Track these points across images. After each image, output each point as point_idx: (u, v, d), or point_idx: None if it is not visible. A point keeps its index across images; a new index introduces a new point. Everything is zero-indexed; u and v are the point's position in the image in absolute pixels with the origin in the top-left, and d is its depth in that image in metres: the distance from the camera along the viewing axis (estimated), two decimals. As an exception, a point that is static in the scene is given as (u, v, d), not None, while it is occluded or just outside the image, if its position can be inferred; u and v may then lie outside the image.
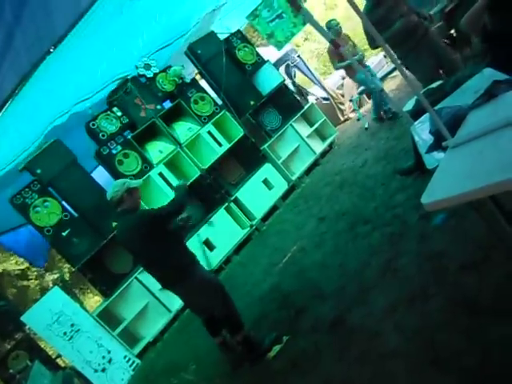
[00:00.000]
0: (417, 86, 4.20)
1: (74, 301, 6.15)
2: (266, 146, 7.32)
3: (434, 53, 4.82)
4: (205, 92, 7.33)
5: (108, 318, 5.94)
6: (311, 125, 8.02)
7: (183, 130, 6.98)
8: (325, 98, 9.35)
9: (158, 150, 6.75)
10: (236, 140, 7.13)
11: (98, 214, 6.00)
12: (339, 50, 6.19)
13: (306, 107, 8.01)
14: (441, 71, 4.95)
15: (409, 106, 3.85)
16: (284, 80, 8.07)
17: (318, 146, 7.85)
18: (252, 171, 7.18)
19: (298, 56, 9.86)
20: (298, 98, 8.75)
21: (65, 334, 5.48)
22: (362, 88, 8.61)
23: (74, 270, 6.54)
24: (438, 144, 2.50)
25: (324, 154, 7.79)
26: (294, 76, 9.72)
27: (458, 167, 1.96)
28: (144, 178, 6.32)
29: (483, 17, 2.94)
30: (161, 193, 6.37)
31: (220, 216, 6.68)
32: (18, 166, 5.92)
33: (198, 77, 8.11)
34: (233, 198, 6.89)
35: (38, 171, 5.94)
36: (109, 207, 3.46)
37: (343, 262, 3.68)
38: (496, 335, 1.87)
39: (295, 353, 3.06)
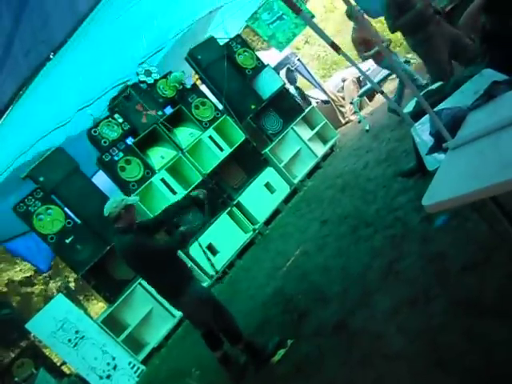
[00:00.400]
0: (416, 88, 4.20)
1: (78, 308, 6.15)
2: (267, 149, 7.33)
3: (447, 44, 4.71)
4: (205, 97, 7.36)
5: (112, 324, 5.94)
6: (312, 128, 8.03)
7: (185, 135, 7.00)
8: (325, 101, 9.36)
9: (159, 155, 6.77)
10: (237, 144, 7.14)
11: (101, 220, 5.96)
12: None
13: (306, 110, 8.02)
14: (454, 61, 4.86)
15: (409, 107, 3.85)
16: (284, 84, 8.09)
17: (320, 149, 7.85)
18: (254, 175, 7.18)
19: (298, 59, 9.88)
20: (301, 101, 8.76)
21: (69, 341, 5.49)
22: (362, 90, 8.64)
23: (77, 276, 6.56)
24: (438, 145, 2.50)
25: (325, 156, 7.80)
26: (296, 81, 9.76)
27: (459, 168, 1.96)
28: (146, 184, 6.35)
29: (480, 17, 2.95)
30: (163, 198, 6.38)
31: (223, 220, 6.68)
32: (20, 174, 5.94)
33: (198, 82, 8.14)
34: (235, 202, 6.90)
35: (41, 179, 5.97)
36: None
37: (346, 265, 3.67)
38: (499, 336, 1.87)
39: (299, 357, 3.05)
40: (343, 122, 9.34)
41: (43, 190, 5.97)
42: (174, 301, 3.36)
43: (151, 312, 6.03)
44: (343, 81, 9.82)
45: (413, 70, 6.52)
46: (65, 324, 5.52)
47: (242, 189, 7.11)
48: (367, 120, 7.81)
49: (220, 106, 7.55)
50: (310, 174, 7.51)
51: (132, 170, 6.41)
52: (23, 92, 3.34)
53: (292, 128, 7.64)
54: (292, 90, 8.95)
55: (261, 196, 7.02)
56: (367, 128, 7.28)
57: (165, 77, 7.06)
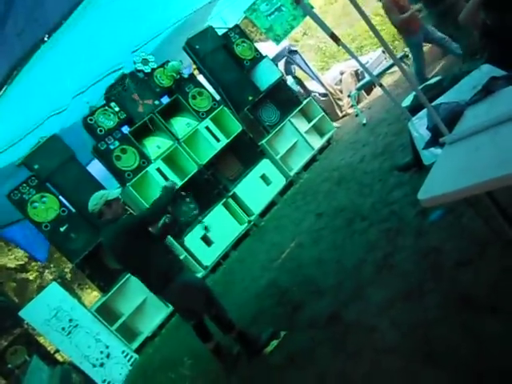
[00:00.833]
0: (415, 82, 4.19)
1: (72, 296, 6.15)
2: (264, 141, 7.31)
3: None
4: (203, 87, 7.31)
5: (106, 313, 5.95)
6: (309, 120, 8.02)
7: (181, 125, 6.97)
8: (323, 94, 9.33)
9: (155, 145, 6.74)
10: (234, 135, 7.12)
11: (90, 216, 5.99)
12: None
13: (304, 103, 8.00)
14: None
15: (407, 101, 3.85)
16: (282, 75, 8.05)
17: (316, 142, 7.84)
18: (250, 167, 7.17)
19: (296, 51, 9.83)
20: (302, 90, 8.66)
21: (63, 329, 5.50)
22: (360, 83, 8.61)
23: (72, 265, 6.55)
24: (435, 140, 2.51)
25: (322, 149, 7.79)
26: (294, 73, 9.71)
27: (455, 163, 1.96)
28: (141, 173, 6.33)
29: (479, 13, 2.94)
30: (158, 188, 6.34)
31: (218, 212, 6.68)
32: (15, 161, 5.90)
33: (196, 72, 8.09)
34: (231, 193, 6.89)
35: (36, 166, 5.93)
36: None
37: (340, 257, 3.68)
38: (491, 331, 1.88)
39: (292, 348, 3.07)
40: (340, 115, 9.33)
41: (38, 177, 5.94)
42: (163, 291, 3.28)
43: (145, 301, 6.04)
44: (341, 74, 9.78)
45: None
46: (59, 312, 5.53)
47: (238, 180, 7.10)
48: (364, 113, 7.80)
49: (217, 97, 7.52)
50: (306, 167, 7.51)
51: (127, 159, 6.38)
52: (16, 74, 3.28)
53: (289, 120, 7.63)
54: (290, 79, 8.85)
55: (257, 188, 7.02)
56: (364, 122, 7.27)
57: (162, 66, 7.01)
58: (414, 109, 3.32)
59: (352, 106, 8.59)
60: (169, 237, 6.11)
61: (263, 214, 6.95)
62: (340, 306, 3.02)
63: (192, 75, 7.55)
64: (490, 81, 2.32)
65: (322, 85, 9.36)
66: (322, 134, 8.10)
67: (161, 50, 7.27)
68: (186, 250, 6.33)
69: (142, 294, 5.99)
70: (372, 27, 2.34)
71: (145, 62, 6.83)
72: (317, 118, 8.00)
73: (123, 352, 5.65)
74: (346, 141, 7.32)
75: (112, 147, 6.31)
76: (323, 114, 8.09)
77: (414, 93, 3.54)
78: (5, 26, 2.47)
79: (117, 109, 6.54)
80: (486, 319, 1.95)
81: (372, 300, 2.78)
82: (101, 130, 6.36)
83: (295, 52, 9.73)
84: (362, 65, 2.97)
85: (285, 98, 7.81)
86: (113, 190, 3.63)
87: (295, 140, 7.64)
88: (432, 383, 1.93)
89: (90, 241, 6.01)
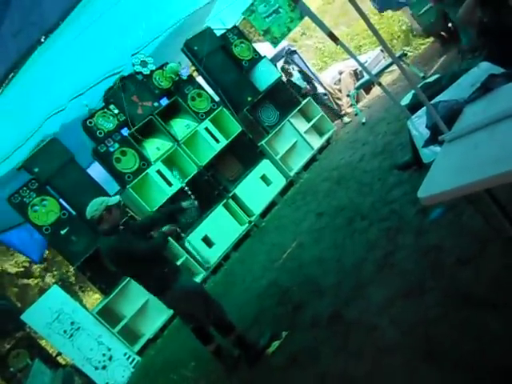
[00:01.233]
0: (414, 80, 4.18)
1: (73, 299, 6.15)
2: (263, 141, 7.31)
3: None
4: (202, 88, 7.32)
5: (108, 315, 5.95)
6: (309, 120, 8.01)
7: (180, 126, 6.97)
8: (322, 94, 9.32)
9: (155, 147, 6.74)
10: (233, 136, 7.12)
11: (89, 222, 5.99)
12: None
13: (303, 103, 8.00)
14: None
15: (406, 100, 3.85)
16: (281, 76, 8.05)
17: (316, 142, 7.85)
18: (250, 167, 7.17)
19: (295, 51, 9.82)
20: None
21: (65, 332, 5.50)
22: (359, 83, 8.60)
23: (73, 268, 6.55)
24: (434, 138, 2.51)
25: (322, 149, 7.79)
26: (288, 80, 9.68)
27: (454, 161, 1.96)
28: (141, 175, 6.33)
29: (476, 11, 2.94)
30: (158, 190, 6.37)
31: (218, 213, 6.68)
32: (15, 165, 5.90)
33: (194, 73, 8.09)
34: (231, 194, 6.89)
35: (36, 170, 5.93)
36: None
37: (341, 257, 3.68)
38: (492, 328, 1.88)
39: (294, 348, 3.07)
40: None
41: (38, 180, 5.93)
42: (162, 297, 3.31)
43: (147, 303, 6.03)
44: (340, 73, 9.78)
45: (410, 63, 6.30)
46: (60, 315, 5.52)
47: (238, 181, 7.10)
48: (364, 113, 7.80)
49: (216, 98, 7.52)
50: (306, 167, 7.51)
51: (127, 161, 6.38)
52: (13, 76, 3.27)
53: (288, 120, 7.63)
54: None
55: (257, 188, 7.02)
56: (363, 121, 7.27)
57: (161, 68, 7.01)
58: (413, 107, 3.32)
59: (351, 105, 8.59)
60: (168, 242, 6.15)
61: (264, 214, 6.95)
62: (341, 305, 3.02)
63: (191, 76, 7.55)
64: (489, 78, 2.32)
65: (321, 85, 9.36)
66: (321, 134, 8.10)
67: (159, 51, 7.27)
68: (187, 251, 6.32)
69: (144, 296, 5.99)
70: (371, 26, 2.34)
71: (143, 63, 6.83)
72: (316, 118, 8.00)
73: (125, 354, 5.65)
74: (345, 140, 7.32)
75: (112, 149, 6.31)
76: (322, 113, 8.10)
77: (412, 91, 3.54)
78: (0, 27, 2.44)
79: (116, 111, 6.54)
80: (487, 317, 1.95)
81: (373, 299, 2.78)
82: (100, 133, 6.36)
83: (294, 52, 9.73)
84: (360, 64, 2.97)
85: (284, 99, 7.81)
86: (111, 197, 3.62)
87: (295, 140, 7.64)
88: (433, 381, 1.93)
89: (90, 243, 6.01)
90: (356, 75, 9.64)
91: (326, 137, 7.96)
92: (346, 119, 8.38)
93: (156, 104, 6.83)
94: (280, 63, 9.55)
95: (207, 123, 6.99)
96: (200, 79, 7.78)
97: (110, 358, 5.57)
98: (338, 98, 9.37)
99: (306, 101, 8.09)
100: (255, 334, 3.57)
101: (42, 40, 3.11)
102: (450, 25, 7.28)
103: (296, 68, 9.14)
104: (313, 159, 7.61)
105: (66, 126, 6.30)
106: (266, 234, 6.22)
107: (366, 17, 2.39)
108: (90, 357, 5.49)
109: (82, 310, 5.87)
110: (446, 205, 2.94)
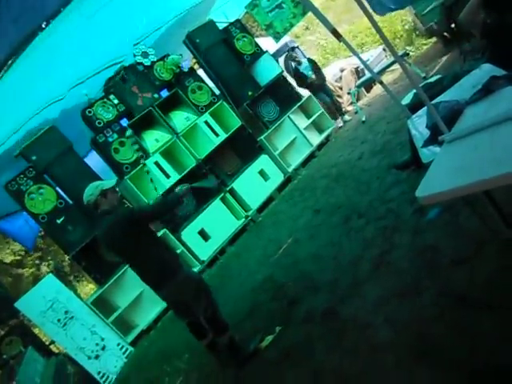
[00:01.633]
0: (415, 80, 4.18)
1: (68, 288, 6.15)
2: (262, 137, 7.30)
3: None
4: (202, 81, 7.29)
5: (102, 305, 5.96)
6: (309, 117, 8.01)
7: (180, 119, 6.95)
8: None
9: (154, 138, 6.72)
10: (233, 130, 7.11)
11: (86, 208, 5.98)
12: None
13: (303, 99, 7.99)
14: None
15: (407, 99, 3.84)
16: (282, 71, 8.03)
17: (315, 139, 7.85)
18: (248, 162, 7.17)
19: (297, 47, 9.79)
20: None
21: (58, 320, 5.50)
22: (360, 81, 8.59)
23: (68, 257, 6.54)
24: (434, 138, 2.51)
25: (321, 146, 7.79)
26: (292, 68, 9.64)
27: (453, 162, 1.97)
28: (139, 167, 6.31)
29: (480, 12, 2.93)
30: (156, 182, 6.35)
31: (215, 206, 6.68)
32: (12, 151, 5.87)
33: (196, 66, 8.06)
34: (228, 188, 6.89)
35: (33, 158, 5.91)
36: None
37: (337, 254, 3.69)
38: (486, 329, 1.89)
39: (287, 343, 3.08)
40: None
41: (35, 168, 5.92)
42: (163, 286, 3.17)
43: (141, 295, 6.04)
44: (341, 70, 9.76)
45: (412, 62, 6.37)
46: (54, 304, 5.53)
47: (236, 175, 7.10)
48: (364, 111, 7.80)
49: (217, 91, 7.50)
50: (304, 163, 7.51)
51: (126, 152, 6.36)
52: (13, 61, 3.24)
53: (288, 116, 7.62)
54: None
55: (254, 183, 7.02)
56: (363, 119, 7.27)
57: (162, 59, 6.98)
58: (414, 107, 3.31)
59: (352, 103, 8.58)
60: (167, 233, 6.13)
61: (261, 209, 6.96)
62: (336, 302, 3.03)
63: (192, 69, 7.52)
64: (491, 80, 2.32)
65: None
66: (321, 131, 8.10)
67: (161, 43, 7.24)
68: (183, 244, 6.33)
69: (139, 287, 5.99)
70: (374, 24, 2.34)
71: (145, 54, 6.80)
72: (316, 115, 7.99)
73: (118, 344, 5.67)
74: (344, 138, 7.32)
75: (110, 140, 6.30)
76: (322, 110, 8.09)
77: (413, 91, 3.54)
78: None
79: (116, 101, 6.52)
80: (482, 317, 1.96)
81: (368, 297, 2.79)
82: (99, 123, 6.34)
83: (296, 48, 9.69)
84: (362, 61, 2.96)
85: (284, 94, 7.80)
86: (108, 180, 3.53)
87: (294, 136, 7.63)
88: (427, 381, 1.94)
89: (86, 233, 6.00)
90: (357, 73, 9.62)
91: (325, 134, 7.95)
92: (346, 117, 8.34)
93: (156, 95, 6.81)
94: (281, 59, 9.52)
95: (207, 116, 6.97)
96: (201, 72, 7.75)
97: (103, 348, 5.58)
98: (339, 96, 9.35)
99: (306, 97, 8.07)
100: (248, 329, 3.59)
101: (43, 26, 3.09)
102: (452, 25, 7.27)
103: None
104: (312, 156, 7.61)
105: (65, 111, 6.27)
106: (263, 230, 6.22)
107: (369, 15, 2.39)
108: (83, 346, 5.50)
109: (77, 300, 5.87)
110: (442, 205, 2.95)
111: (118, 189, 3.41)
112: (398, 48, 9.87)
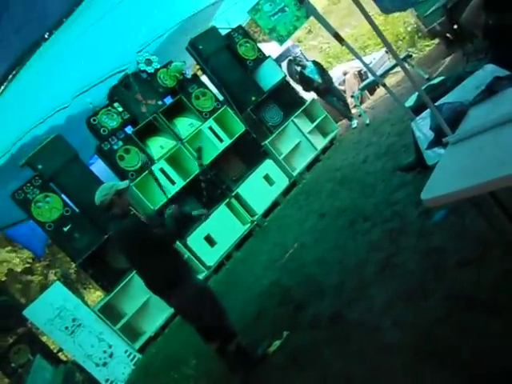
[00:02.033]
0: (418, 82, 4.18)
1: (75, 296, 6.17)
2: (267, 141, 7.31)
3: None
4: (206, 87, 7.32)
5: (109, 312, 5.97)
6: (312, 121, 8.00)
7: (184, 125, 6.98)
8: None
9: (159, 145, 6.76)
10: (237, 136, 7.12)
11: (98, 208, 6.01)
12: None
13: (307, 103, 7.99)
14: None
15: (410, 101, 3.84)
16: (285, 76, 8.04)
17: (319, 142, 7.84)
18: (253, 167, 7.17)
19: (300, 51, 9.80)
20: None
21: (66, 328, 5.52)
22: (363, 84, 8.59)
23: (75, 265, 6.57)
24: (438, 140, 2.50)
25: (325, 149, 7.78)
26: (297, 73, 9.64)
27: (458, 163, 1.96)
28: (144, 173, 6.34)
29: (481, 13, 2.93)
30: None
31: (221, 212, 6.68)
32: (18, 160, 5.92)
33: (199, 72, 8.09)
34: (234, 193, 6.89)
35: (39, 166, 5.95)
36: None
37: (343, 258, 3.68)
38: (493, 331, 1.88)
39: (295, 348, 3.07)
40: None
41: (42, 177, 5.96)
42: (169, 293, 3.16)
43: (148, 301, 6.04)
44: (344, 74, 9.76)
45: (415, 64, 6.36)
46: (62, 311, 5.54)
47: (241, 180, 7.11)
48: (368, 114, 7.79)
49: (220, 97, 7.52)
50: (309, 167, 7.51)
51: (131, 159, 6.40)
52: (17, 72, 3.27)
53: (292, 120, 7.62)
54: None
55: (260, 188, 7.02)
56: (367, 122, 7.26)
57: (165, 66, 7.02)
58: (418, 109, 3.31)
59: (355, 106, 8.58)
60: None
61: (266, 214, 6.95)
62: (342, 306, 3.02)
63: (195, 75, 7.56)
64: (494, 81, 2.32)
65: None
66: (325, 135, 8.09)
67: (164, 50, 7.28)
68: (189, 249, 6.32)
69: (146, 294, 5.98)
70: (375, 27, 2.34)
71: (148, 62, 6.85)
72: (320, 119, 7.99)
73: (126, 351, 5.67)
74: (349, 141, 7.31)
75: (115, 147, 6.34)
76: (326, 114, 8.08)
77: (417, 93, 3.53)
78: (0, 22, 2.44)
79: (120, 109, 6.56)
80: (488, 320, 1.95)
81: (374, 300, 2.78)
82: (104, 130, 6.38)
83: (299, 52, 9.70)
84: (365, 65, 2.97)
85: (288, 99, 7.81)
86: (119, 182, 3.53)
87: (298, 140, 7.63)
88: (433, 383, 1.93)
89: (93, 240, 6.03)
90: (360, 76, 9.62)
91: (329, 137, 7.95)
92: (354, 122, 8.03)
93: (160, 102, 6.85)
94: (284, 63, 9.52)
95: (211, 122, 6.99)
96: (204, 78, 7.78)
97: (111, 355, 5.58)
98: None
99: (310, 101, 8.08)
100: (256, 334, 3.58)
101: (46, 36, 3.12)
102: (455, 26, 7.26)
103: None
104: (316, 159, 7.60)
105: (71, 118, 6.31)
106: (269, 234, 6.22)
107: (370, 18, 2.39)
108: (91, 353, 5.51)
109: (84, 307, 5.89)
110: (448, 207, 2.94)
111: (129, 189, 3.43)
112: (400, 50, 9.87)
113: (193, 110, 7.00)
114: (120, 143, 6.36)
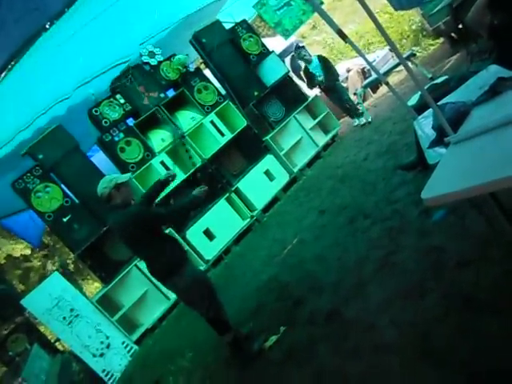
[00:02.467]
0: (421, 81, 4.17)
1: (73, 286, 6.18)
2: (268, 137, 7.30)
3: None
4: (208, 81, 7.31)
5: (107, 304, 5.98)
6: (314, 117, 8.00)
7: (186, 118, 6.97)
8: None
9: (160, 138, 6.75)
10: (239, 130, 7.11)
11: (99, 200, 6.02)
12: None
13: (309, 99, 7.98)
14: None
15: (413, 100, 3.83)
16: (288, 71, 8.01)
17: (321, 139, 7.83)
18: (254, 162, 7.17)
19: (304, 47, 9.76)
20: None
21: (64, 318, 5.53)
22: (366, 81, 8.57)
23: (73, 256, 6.58)
24: (440, 139, 2.50)
25: (326, 146, 7.78)
26: (300, 69, 9.61)
27: (460, 163, 1.96)
28: (145, 166, 6.34)
29: (487, 13, 2.92)
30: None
31: (221, 206, 6.69)
32: (19, 150, 5.92)
33: (202, 66, 8.07)
34: (234, 188, 6.90)
35: (40, 156, 5.95)
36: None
37: (342, 255, 3.68)
38: (491, 331, 1.88)
39: (291, 344, 3.07)
40: (346, 112, 9.27)
41: (42, 167, 5.96)
42: (169, 280, 3.19)
43: (146, 293, 6.07)
44: (348, 71, 9.74)
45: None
46: (60, 302, 5.56)
47: (242, 175, 7.11)
48: (370, 112, 7.78)
49: (223, 91, 7.51)
50: (310, 164, 7.51)
51: (132, 151, 6.39)
52: (17, 61, 3.26)
53: (294, 116, 7.61)
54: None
55: (260, 183, 7.02)
56: (369, 120, 7.25)
57: (168, 59, 7.00)
58: (420, 108, 3.30)
59: (358, 103, 8.56)
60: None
61: (266, 209, 6.96)
62: (340, 303, 3.03)
63: (198, 69, 7.54)
64: (498, 81, 2.31)
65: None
66: (326, 131, 8.08)
67: (167, 42, 7.26)
68: (188, 243, 6.34)
69: (143, 286, 6.03)
70: (378, 25, 2.33)
71: (151, 54, 6.83)
72: (322, 115, 7.98)
73: (123, 343, 5.69)
74: (350, 138, 7.30)
75: (117, 139, 6.33)
76: (328, 111, 8.07)
77: (420, 92, 3.52)
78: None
79: (122, 101, 6.55)
80: (487, 319, 1.95)
81: (372, 298, 2.79)
82: (106, 122, 6.37)
83: (302, 48, 9.65)
84: (368, 62, 2.96)
85: (290, 94, 7.80)
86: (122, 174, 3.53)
87: (300, 136, 7.63)
88: (430, 382, 1.94)
89: (92, 232, 6.04)
90: (364, 74, 9.61)
91: (331, 134, 7.94)
92: (357, 120, 7.86)
93: (162, 95, 6.84)
94: (287, 59, 9.49)
95: (213, 116, 6.98)
96: (207, 72, 7.76)
97: (108, 346, 5.61)
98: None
99: (312, 97, 8.06)
100: (253, 329, 3.59)
101: (47, 26, 3.10)
102: (460, 26, 7.24)
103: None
104: (317, 156, 7.60)
105: (72, 108, 6.30)
106: (268, 230, 6.23)
107: (373, 16, 2.38)
108: (88, 344, 5.53)
109: (82, 298, 5.90)
110: (448, 207, 2.94)
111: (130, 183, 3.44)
112: (404, 48, 9.84)
113: (195, 103, 6.99)
114: (121, 135, 6.36)
